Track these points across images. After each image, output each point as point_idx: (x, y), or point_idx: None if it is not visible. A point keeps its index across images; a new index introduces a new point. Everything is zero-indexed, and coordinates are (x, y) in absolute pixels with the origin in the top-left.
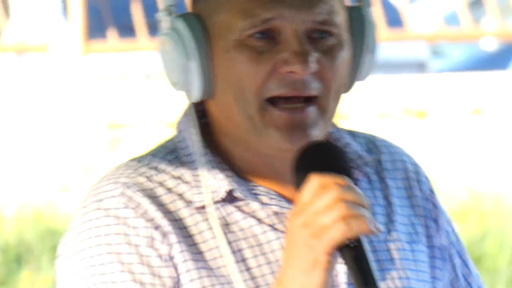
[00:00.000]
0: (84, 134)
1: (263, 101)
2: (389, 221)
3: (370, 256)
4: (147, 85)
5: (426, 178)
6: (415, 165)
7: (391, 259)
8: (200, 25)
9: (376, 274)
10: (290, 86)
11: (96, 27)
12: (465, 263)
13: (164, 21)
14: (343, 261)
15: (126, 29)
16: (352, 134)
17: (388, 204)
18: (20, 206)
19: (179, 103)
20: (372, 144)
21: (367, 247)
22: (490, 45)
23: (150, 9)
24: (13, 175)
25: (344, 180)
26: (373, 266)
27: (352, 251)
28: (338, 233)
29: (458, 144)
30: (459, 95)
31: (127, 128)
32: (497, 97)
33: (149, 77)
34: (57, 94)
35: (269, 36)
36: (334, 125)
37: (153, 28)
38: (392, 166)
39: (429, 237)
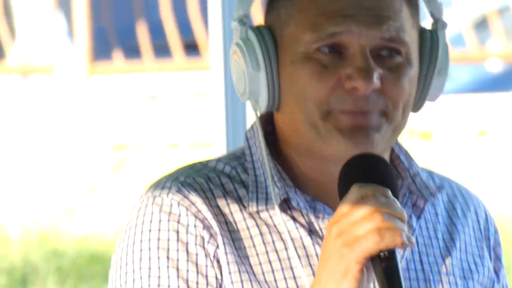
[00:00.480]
0: (90, 155)
1: (327, 112)
2: (447, 255)
3: (401, 271)
4: (152, 107)
5: (496, 230)
6: (487, 214)
7: None
8: (270, 36)
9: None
10: (352, 102)
11: (101, 49)
12: None
13: (236, 31)
14: (375, 272)
15: (132, 51)
16: (429, 171)
17: (451, 240)
18: (26, 228)
19: (183, 124)
20: (447, 184)
21: (398, 260)
22: (495, 66)
23: (156, 31)
24: (19, 196)
25: (385, 192)
26: (402, 279)
27: (384, 263)
28: (370, 243)
29: (464, 166)
30: (465, 117)
31: (132, 149)
32: (503, 119)
33: (154, 98)
34: (63, 116)
35: (336, 50)
36: (408, 156)
37: (158, 50)
38: (465, 210)
39: (490, 280)
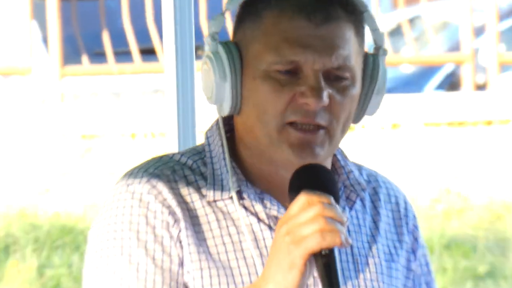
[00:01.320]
0: (62, 144)
1: (282, 124)
2: (373, 240)
3: (338, 266)
4: (115, 102)
5: (414, 216)
6: (406, 203)
7: (368, 271)
8: (237, 52)
9: (341, 280)
10: (303, 115)
11: (72, 54)
12: None
13: (208, 45)
14: (316, 267)
15: (98, 56)
16: (359, 166)
17: (376, 227)
18: (7, 205)
19: (141, 117)
20: (373, 178)
21: (336, 257)
22: (408, 70)
23: (118, 38)
24: (1, 179)
25: (328, 199)
26: (339, 274)
27: (324, 259)
28: (314, 242)
29: (379, 154)
30: (381, 112)
31: (98, 139)
32: (414, 115)
33: (117, 95)
34: (39, 110)
35: (292, 72)
36: (343, 156)
37: (120, 55)
38: (386, 199)
39: (408, 261)
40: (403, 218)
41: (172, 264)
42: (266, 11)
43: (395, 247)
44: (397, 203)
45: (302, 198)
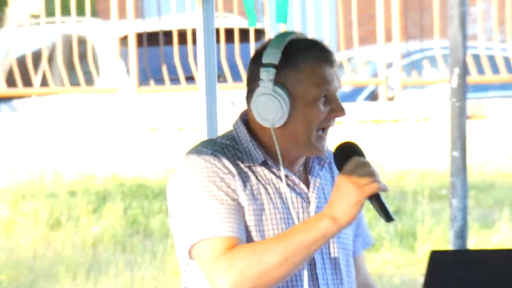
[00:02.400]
0: (137, 133)
1: (316, 134)
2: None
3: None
4: (170, 108)
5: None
6: (332, 162)
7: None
8: (286, 90)
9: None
10: (331, 124)
11: (143, 80)
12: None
13: (264, 87)
14: (372, 203)
15: (160, 81)
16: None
17: (332, 181)
18: (106, 171)
19: (187, 117)
20: (329, 152)
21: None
22: (347, 88)
23: (171, 70)
24: (104, 155)
25: (369, 162)
26: (387, 205)
27: (377, 197)
28: (373, 188)
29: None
30: None
31: (159, 131)
32: (350, 115)
33: (172, 104)
34: (124, 113)
35: (325, 97)
36: None
37: (172, 80)
38: (332, 163)
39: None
40: (334, 175)
41: (234, 198)
42: (303, 62)
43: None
44: (331, 164)
45: (356, 160)
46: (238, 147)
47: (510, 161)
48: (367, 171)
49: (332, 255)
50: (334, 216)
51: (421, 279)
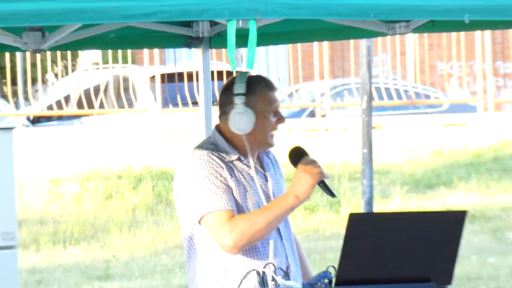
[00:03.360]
0: (162, 140)
1: (270, 134)
2: (281, 179)
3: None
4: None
5: (276, 160)
6: (273, 155)
7: (274, 193)
8: (252, 109)
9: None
10: (277, 127)
11: (165, 103)
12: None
13: (238, 103)
14: (320, 186)
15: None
16: None
17: (273, 166)
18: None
19: (194, 127)
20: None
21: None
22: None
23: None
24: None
25: (314, 159)
26: (332, 188)
27: (323, 182)
28: (320, 177)
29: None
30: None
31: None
32: (297, 125)
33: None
34: (154, 126)
35: (274, 112)
36: None
37: (194, 104)
38: (275, 157)
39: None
40: (275, 164)
41: (226, 183)
42: (259, 90)
43: (281, 176)
44: (275, 159)
45: (306, 158)
46: (218, 149)
47: (400, 155)
48: (315, 165)
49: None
50: (296, 194)
51: (343, 232)
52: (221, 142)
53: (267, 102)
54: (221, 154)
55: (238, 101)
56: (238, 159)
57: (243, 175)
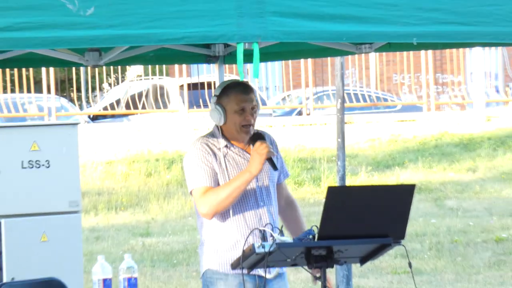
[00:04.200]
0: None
1: (240, 126)
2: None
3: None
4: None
5: (275, 141)
6: (273, 139)
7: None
8: (223, 107)
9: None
10: (248, 122)
11: (191, 106)
12: (284, 167)
13: (213, 103)
14: (267, 161)
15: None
16: (263, 132)
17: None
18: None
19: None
20: (264, 133)
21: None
22: (278, 112)
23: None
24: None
25: (266, 142)
26: (276, 162)
27: (270, 159)
28: (268, 155)
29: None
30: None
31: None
32: (284, 121)
33: (204, 117)
34: (180, 124)
35: (243, 109)
36: (259, 130)
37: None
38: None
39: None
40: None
41: (213, 167)
42: (231, 92)
43: (276, 158)
44: (272, 140)
45: (260, 142)
46: (213, 137)
47: (365, 143)
48: (264, 146)
49: (265, 184)
50: (250, 170)
51: (323, 200)
52: (217, 132)
53: (236, 102)
54: (214, 142)
55: (213, 100)
56: (226, 146)
57: (226, 159)
